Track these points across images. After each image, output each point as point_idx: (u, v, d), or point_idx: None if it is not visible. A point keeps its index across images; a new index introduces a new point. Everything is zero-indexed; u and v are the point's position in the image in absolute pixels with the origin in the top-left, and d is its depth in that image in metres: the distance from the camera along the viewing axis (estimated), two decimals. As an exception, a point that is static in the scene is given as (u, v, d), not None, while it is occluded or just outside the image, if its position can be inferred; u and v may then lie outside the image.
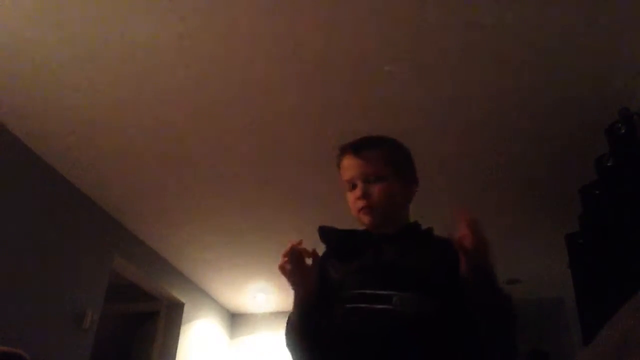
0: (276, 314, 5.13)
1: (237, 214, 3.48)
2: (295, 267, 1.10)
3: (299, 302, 1.15)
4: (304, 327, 1.15)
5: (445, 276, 1.09)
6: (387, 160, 1.25)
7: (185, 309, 4.43)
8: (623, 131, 2.22)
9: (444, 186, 3.16)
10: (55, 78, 2.37)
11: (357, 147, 1.27)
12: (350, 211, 1.25)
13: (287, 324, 1.19)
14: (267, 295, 4.79)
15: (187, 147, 2.85)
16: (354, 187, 1.23)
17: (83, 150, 2.87)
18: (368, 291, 1.09)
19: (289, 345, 1.18)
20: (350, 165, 1.25)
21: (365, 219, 1.21)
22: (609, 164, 2.31)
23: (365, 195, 1.20)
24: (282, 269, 1.11)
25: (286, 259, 1.10)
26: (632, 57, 2.22)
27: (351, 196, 1.23)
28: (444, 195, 3.27)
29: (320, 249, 1.22)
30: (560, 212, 3.23)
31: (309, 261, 1.13)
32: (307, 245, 1.14)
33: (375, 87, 2.41)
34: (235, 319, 5.39)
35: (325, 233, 1.25)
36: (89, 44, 2.19)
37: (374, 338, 1.04)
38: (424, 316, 1.04)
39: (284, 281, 1.15)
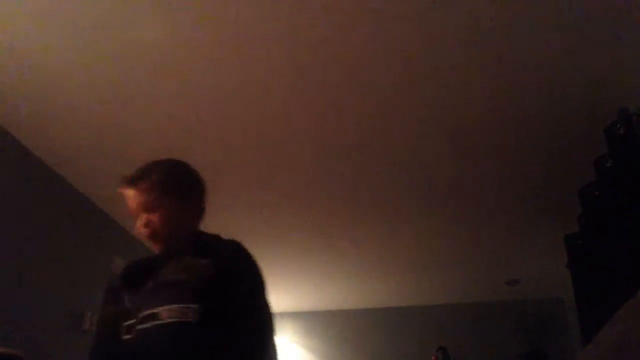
0: (275, 315, 5.12)
1: (236, 214, 3.48)
2: None
3: None
4: None
5: (209, 282, 1.19)
6: (161, 187, 1.31)
7: (185, 310, 4.42)
8: (622, 131, 2.22)
9: (444, 186, 3.17)
10: (55, 79, 2.37)
11: (132, 180, 1.33)
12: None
13: None
14: (267, 297, 4.77)
15: (187, 148, 2.85)
16: (135, 217, 1.31)
17: (83, 151, 2.86)
18: (142, 313, 1.18)
19: None
20: (128, 198, 1.31)
21: (154, 245, 1.31)
22: (608, 165, 2.31)
23: (147, 225, 1.28)
24: None
25: None
26: (632, 57, 2.22)
27: (137, 224, 1.31)
28: (444, 196, 3.27)
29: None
30: (559, 213, 3.23)
31: None
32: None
33: (370, 88, 2.41)
34: (234, 320, 5.37)
35: (122, 270, 1.38)
36: (92, 46, 2.19)
37: (153, 354, 1.15)
38: (185, 323, 1.14)
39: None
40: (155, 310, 1.16)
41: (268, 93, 2.46)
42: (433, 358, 4.45)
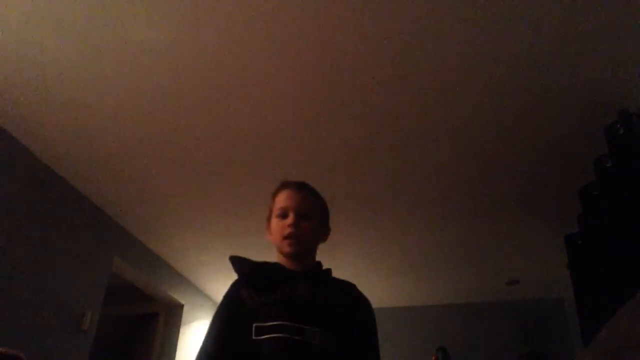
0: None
1: (236, 215, 3.48)
2: None
3: None
4: None
5: (344, 315, 1.26)
6: (318, 204, 1.42)
7: (185, 310, 4.43)
8: (622, 132, 2.22)
9: (444, 187, 3.16)
10: (55, 80, 2.37)
11: (300, 186, 1.41)
12: (271, 238, 1.39)
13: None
14: (267, 297, 4.77)
15: (187, 149, 2.85)
16: (284, 216, 1.36)
17: (83, 152, 2.86)
18: (286, 323, 1.20)
19: None
20: (289, 197, 1.38)
21: (289, 247, 1.33)
22: (608, 165, 2.31)
23: (295, 225, 1.33)
24: None
25: None
26: (632, 58, 2.22)
27: (280, 223, 1.36)
28: (444, 196, 3.27)
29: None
30: (559, 213, 3.23)
31: None
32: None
33: (371, 89, 2.41)
34: (234, 320, 5.37)
35: (238, 262, 1.38)
36: (90, 46, 2.19)
37: None
38: (329, 348, 1.20)
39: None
40: (297, 325, 1.20)
41: (267, 92, 2.46)
42: (433, 358, 4.45)
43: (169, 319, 4.40)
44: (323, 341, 1.19)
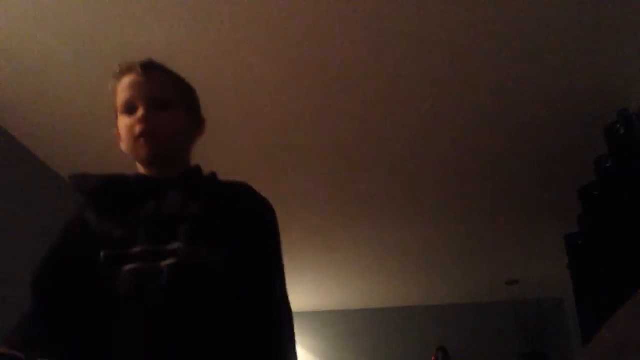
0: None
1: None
2: None
3: None
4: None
5: (232, 225, 0.97)
6: (178, 86, 1.10)
7: (185, 310, 4.42)
8: (622, 132, 2.22)
9: (443, 186, 3.16)
10: (55, 80, 2.37)
11: (146, 66, 1.06)
12: (123, 145, 1.08)
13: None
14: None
15: (186, 148, 2.85)
16: (131, 110, 1.04)
17: (83, 152, 2.86)
18: (147, 248, 0.91)
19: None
20: (133, 84, 1.05)
21: (143, 149, 1.02)
22: (608, 165, 2.31)
23: (148, 118, 1.01)
24: None
25: None
26: (632, 57, 2.22)
27: (127, 121, 1.04)
28: (444, 196, 3.27)
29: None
30: (559, 213, 3.23)
31: None
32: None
33: (371, 91, 2.41)
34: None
35: (79, 180, 1.08)
36: (91, 46, 2.19)
37: (149, 304, 0.86)
38: (208, 271, 0.91)
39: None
40: (164, 248, 0.90)
41: (267, 92, 2.46)
42: (433, 358, 4.45)
43: (169, 319, 4.39)
44: (198, 262, 0.90)
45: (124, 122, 1.06)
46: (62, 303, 0.93)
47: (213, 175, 1.11)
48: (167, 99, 1.06)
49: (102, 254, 0.91)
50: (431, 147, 2.81)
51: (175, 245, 0.90)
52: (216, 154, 2.89)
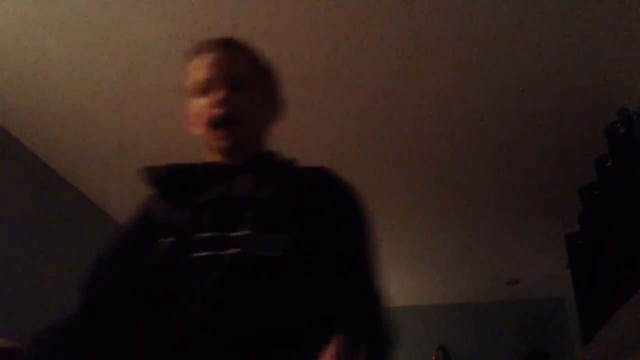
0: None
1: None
2: None
3: None
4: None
5: (311, 211, 0.87)
6: (257, 65, 1.00)
7: (185, 310, 4.43)
8: (622, 131, 2.22)
9: (443, 186, 3.16)
10: (55, 80, 2.37)
11: (225, 44, 0.97)
12: (193, 128, 0.98)
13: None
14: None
15: (187, 149, 2.84)
16: (206, 91, 0.93)
17: (83, 152, 2.86)
18: (211, 234, 0.84)
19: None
20: (211, 63, 0.94)
21: (219, 134, 0.92)
22: (608, 164, 2.31)
23: (226, 102, 0.91)
24: None
25: None
26: (632, 57, 2.22)
27: (202, 102, 0.93)
28: (443, 196, 3.27)
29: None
30: (560, 213, 3.23)
31: None
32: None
33: (372, 87, 2.41)
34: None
35: (148, 172, 1.00)
36: (91, 46, 2.19)
37: (211, 294, 0.79)
38: (279, 258, 0.81)
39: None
40: (223, 234, 0.83)
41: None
42: (433, 358, 4.45)
43: (169, 319, 4.40)
44: (265, 252, 0.81)
45: (197, 104, 0.95)
46: (119, 298, 0.87)
47: (290, 160, 1.01)
48: (247, 79, 0.96)
49: (166, 242, 0.85)
50: (431, 147, 2.80)
51: (242, 232, 0.82)
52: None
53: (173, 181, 0.95)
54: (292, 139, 2.76)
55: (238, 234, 0.82)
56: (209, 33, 2.11)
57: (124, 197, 3.31)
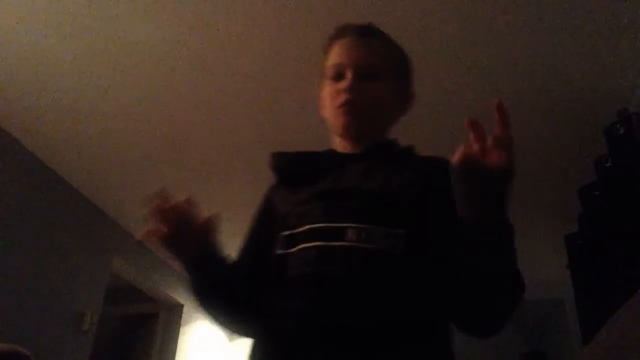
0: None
1: (237, 215, 3.47)
2: (174, 230, 0.88)
3: (197, 269, 0.91)
4: (216, 295, 0.91)
5: (421, 201, 0.84)
6: (391, 56, 0.99)
7: (185, 310, 4.42)
8: (622, 132, 2.22)
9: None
10: (55, 80, 2.37)
11: (363, 30, 0.98)
12: (325, 113, 1.00)
13: (197, 295, 0.93)
14: (267, 297, 4.77)
15: (187, 149, 2.85)
16: (338, 77, 0.95)
17: (83, 152, 2.86)
18: (320, 225, 0.84)
19: (211, 311, 0.94)
20: (345, 49, 0.97)
21: (342, 118, 0.94)
22: (608, 165, 2.31)
23: (353, 89, 0.92)
24: (154, 234, 0.88)
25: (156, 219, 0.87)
26: (632, 57, 2.22)
27: (334, 87, 0.96)
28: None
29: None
30: (559, 213, 3.23)
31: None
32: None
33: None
34: (234, 321, 5.36)
35: (275, 158, 1.02)
36: (90, 47, 2.19)
37: (323, 287, 0.79)
38: (388, 253, 0.80)
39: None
40: (337, 227, 0.82)
41: (267, 92, 2.46)
42: (433, 358, 4.43)
43: (169, 319, 4.40)
44: (372, 245, 0.79)
45: (330, 88, 0.97)
46: (250, 286, 0.90)
47: (408, 149, 1.02)
48: (378, 69, 0.96)
49: (283, 235, 0.87)
50: (431, 147, 2.80)
51: (349, 224, 0.82)
52: (225, 155, 2.89)
53: (292, 169, 0.97)
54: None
55: (345, 225, 0.82)
56: (209, 33, 2.12)
57: (124, 199, 3.31)
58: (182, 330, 4.35)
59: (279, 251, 0.86)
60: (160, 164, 2.96)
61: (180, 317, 4.38)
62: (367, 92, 0.94)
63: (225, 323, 0.96)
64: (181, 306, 4.41)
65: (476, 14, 2.03)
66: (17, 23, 2.08)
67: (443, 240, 0.80)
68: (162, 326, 4.37)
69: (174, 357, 4.21)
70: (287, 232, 0.87)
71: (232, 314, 0.93)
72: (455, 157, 0.71)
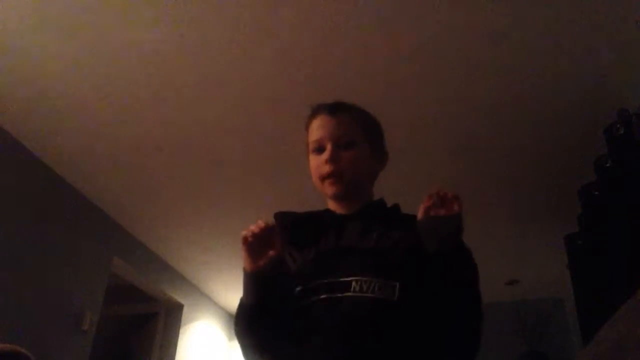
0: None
1: (237, 215, 3.48)
2: (260, 242, 0.98)
3: (257, 285, 1.00)
4: (259, 318, 1.01)
5: (408, 256, 0.98)
6: (361, 125, 1.14)
7: (185, 310, 4.43)
8: (622, 132, 2.22)
9: (443, 186, 3.16)
10: (55, 81, 2.37)
11: (333, 108, 1.14)
12: (314, 179, 1.14)
13: (241, 310, 1.04)
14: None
15: (187, 149, 2.85)
16: (320, 150, 1.11)
17: (83, 152, 2.86)
18: (328, 280, 0.97)
19: (242, 335, 1.05)
20: (321, 125, 1.12)
21: (330, 188, 1.10)
22: (607, 165, 2.32)
23: (334, 159, 1.08)
24: (247, 239, 0.99)
25: (257, 231, 0.97)
26: (632, 58, 2.22)
27: (316, 160, 1.11)
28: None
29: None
30: (559, 213, 3.23)
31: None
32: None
33: (373, 89, 2.41)
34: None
35: (279, 218, 1.12)
36: (90, 47, 2.19)
37: (337, 329, 0.93)
38: (386, 301, 0.94)
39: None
40: (344, 279, 0.96)
41: (267, 91, 2.46)
42: (433, 358, 4.44)
43: (169, 319, 4.40)
44: (375, 292, 0.94)
45: (313, 161, 1.13)
46: (272, 332, 1.01)
47: (395, 208, 1.19)
48: (353, 138, 1.11)
49: (297, 288, 1.00)
50: (431, 147, 2.81)
51: (351, 278, 0.96)
52: (225, 155, 2.89)
53: (297, 229, 1.10)
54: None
55: (347, 279, 0.96)
56: (211, 35, 2.12)
57: (124, 199, 3.31)
58: (182, 330, 4.36)
59: (295, 304, 0.99)
60: (161, 163, 2.96)
61: (180, 316, 4.38)
62: (347, 159, 1.09)
63: (254, 337, 1.04)
64: (181, 306, 4.41)
65: (476, 14, 2.03)
66: (18, 23, 2.08)
67: (428, 286, 0.95)
68: (162, 326, 4.37)
69: (174, 357, 4.21)
70: (299, 288, 1.00)
71: (262, 334, 1.02)
72: (420, 212, 0.96)
